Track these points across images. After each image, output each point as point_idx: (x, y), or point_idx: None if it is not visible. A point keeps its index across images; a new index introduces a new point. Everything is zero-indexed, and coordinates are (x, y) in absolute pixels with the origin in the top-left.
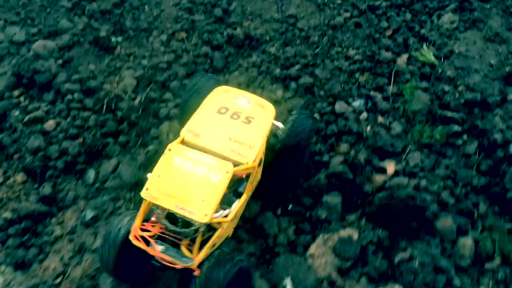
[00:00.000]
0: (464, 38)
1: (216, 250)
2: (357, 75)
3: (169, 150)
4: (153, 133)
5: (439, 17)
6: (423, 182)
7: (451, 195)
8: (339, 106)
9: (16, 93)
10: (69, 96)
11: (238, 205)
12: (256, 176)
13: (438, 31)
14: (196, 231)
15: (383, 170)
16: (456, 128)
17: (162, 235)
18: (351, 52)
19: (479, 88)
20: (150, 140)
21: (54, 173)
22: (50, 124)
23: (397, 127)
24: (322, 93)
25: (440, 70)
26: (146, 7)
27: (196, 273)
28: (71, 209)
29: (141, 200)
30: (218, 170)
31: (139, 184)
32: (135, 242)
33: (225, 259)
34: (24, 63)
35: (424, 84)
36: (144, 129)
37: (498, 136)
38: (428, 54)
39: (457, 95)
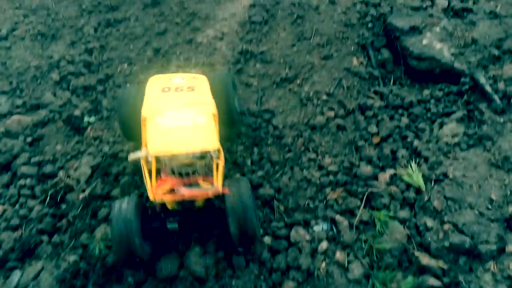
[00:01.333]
0: (464, 158)
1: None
2: (327, 190)
3: (148, 116)
4: (83, 238)
5: (441, 125)
6: None
7: None
8: (296, 234)
9: None
10: (22, 181)
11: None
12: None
13: (436, 143)
14: (209, 164)
15: None
16: (432, 281)
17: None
18: (327, 160)
19: (470, 230)
20: (79, 245)
21: None
22: None
23: (356, 270)
24: (282, 208)
25: (426, 198)
26: (128, 85)
27: (227, 191)
28: None
29: None
30: (201, 113)
31: None
32: (159, 199)
33: (241, 179)
34: None
35: (403, 213)
36: (78, 231)
37: None
38: (415, 174)
39: (441, 235)
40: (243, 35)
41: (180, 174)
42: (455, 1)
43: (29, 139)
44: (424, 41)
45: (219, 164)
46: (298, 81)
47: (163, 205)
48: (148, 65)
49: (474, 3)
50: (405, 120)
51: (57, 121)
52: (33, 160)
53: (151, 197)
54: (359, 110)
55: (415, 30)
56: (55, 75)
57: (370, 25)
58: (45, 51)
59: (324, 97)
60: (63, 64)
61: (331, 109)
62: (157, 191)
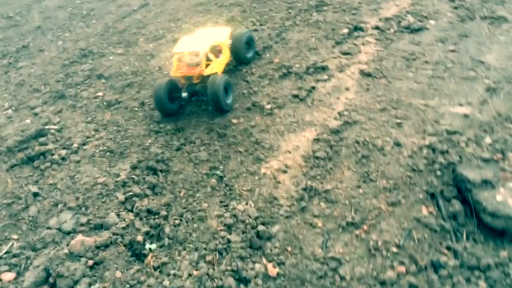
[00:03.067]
0: None
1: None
2: None
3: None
4: None
5: None
6: None
7: None
8: None
9: None
10: None
11: (223, 55)
12: (227, 53)
13: None
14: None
15: None
16: None
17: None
18: None
19: None
20: None
21: None
22: None
23: None
24: None
25: None
26: (189, 215)
27: (205, 73)
28: None
29: None
30: (207, 39)
31: None
32: (174, 75)
33: (221, 75)
34: (56, 260)
35: None
36: None
37: None
38: None
39: None
40: (307, 170)
41: (190, 65)
42: None
43: (90, 262)
44: (498, 197)
45: (212, 63)
46: (365, 227)
47: (183, 84)
48: (211, 193)
49: None
50: (482, 284)
51: (119, 245)
52: (93, 287)
53: (171, 74)
54: (432, 267)
55: (487, 184)
56: (120, 195)
57: (438, 173)
58: (112, 169)
59: (394, 249)
60: (129, 184)
61: (402, 263)
62: (174, 71)
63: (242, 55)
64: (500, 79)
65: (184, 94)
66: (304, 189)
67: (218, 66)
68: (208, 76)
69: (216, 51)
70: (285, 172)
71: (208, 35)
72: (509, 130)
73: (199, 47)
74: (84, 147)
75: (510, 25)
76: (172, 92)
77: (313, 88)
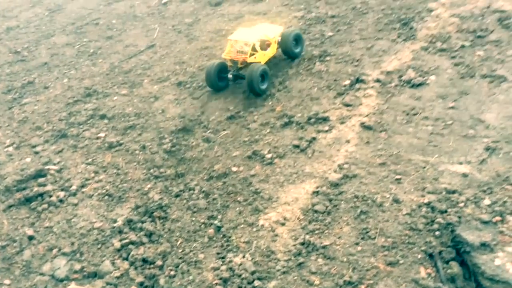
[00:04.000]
0: None
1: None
2: None
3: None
4: None
5: None
6: None
7: None
8: None
9: None
10: None
11: (270, 49)
12: (274, 48)
13: None
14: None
15: None
16: None
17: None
18: None
19: None
20: None
21: None
22: None
23: None
24: None
25: None
26: (185, 267)
27: (248, 60)
28: None
29: None
30: (258, 33)
31: None
32: (224, 57)
33: (259, 64)
34: None
35: None
36: None
37: None
38: None
39: None
40: (305, 224)
41: (238, 52)
42: None
43: None
44: (497, 262)
45: (259, 51)
46: (363, 287)
47: (230, 67)
48: (208, 243)
49: None
50: None
51: None
52: None
53: (222, 56)
54: None
55: (486, 247)
56: (116, 242)
57: (437, 233)
58: (109, 213)
59: None
60: (125, 230)
61: None
62: (225, 54)
63: (290, 50)
64: (499, 139)
65: (230, 76)
66: (302, 244)
67: (261, 57)
68: (251, 63)
69: (265, 45)
70: (283, 224)
71: (261, 30)
72: (508, 192)
73: (248, 38)
74: (83, 189)
75: (509, 85)
76: (221, 73)
77: (314, 138)
